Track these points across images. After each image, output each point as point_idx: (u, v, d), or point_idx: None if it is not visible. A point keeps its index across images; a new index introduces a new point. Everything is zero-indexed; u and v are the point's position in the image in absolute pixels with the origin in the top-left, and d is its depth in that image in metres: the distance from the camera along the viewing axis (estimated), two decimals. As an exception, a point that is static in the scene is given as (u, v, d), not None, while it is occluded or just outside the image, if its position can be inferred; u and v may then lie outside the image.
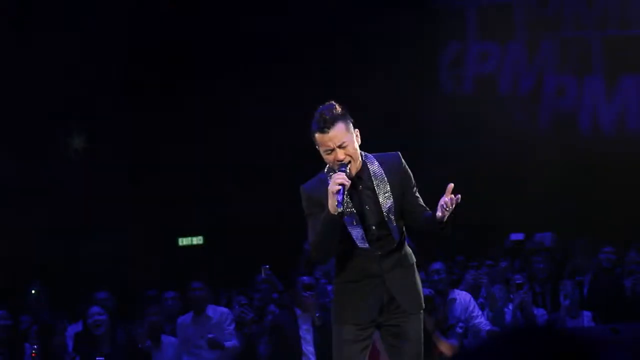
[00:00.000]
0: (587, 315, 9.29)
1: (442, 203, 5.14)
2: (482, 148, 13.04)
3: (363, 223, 5.35)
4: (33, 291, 10.21)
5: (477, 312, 9.36)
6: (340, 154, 5.25)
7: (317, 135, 5.28)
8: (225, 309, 9.77)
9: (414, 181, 5.46)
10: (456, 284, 9.88)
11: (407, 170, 5.47)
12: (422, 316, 5.54)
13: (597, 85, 14.09)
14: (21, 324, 9.37)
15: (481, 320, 9.31)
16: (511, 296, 9.32)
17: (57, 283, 10.72)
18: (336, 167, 5.26)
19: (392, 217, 5.35)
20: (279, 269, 10.12)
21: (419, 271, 9.55)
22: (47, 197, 12.06)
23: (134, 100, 13.12)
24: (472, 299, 9.47)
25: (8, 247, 11.38)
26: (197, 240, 13.75)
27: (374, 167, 5.40)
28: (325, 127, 5.26)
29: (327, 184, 5.24)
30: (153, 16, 13.09)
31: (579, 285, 9.38)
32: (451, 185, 5.18)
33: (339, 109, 5.31)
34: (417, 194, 5.47)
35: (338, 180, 5.12)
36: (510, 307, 9.41)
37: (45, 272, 10.99)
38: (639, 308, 9.18)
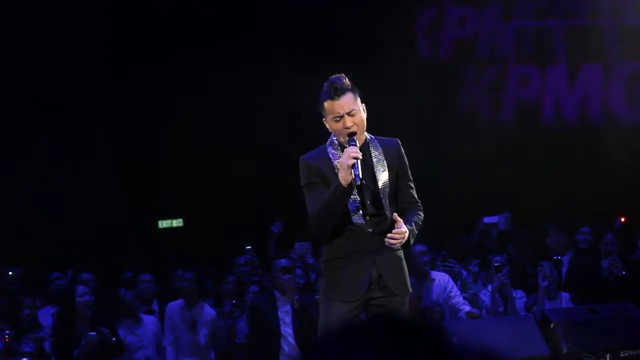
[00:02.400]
0: (565, 296, 8.87)
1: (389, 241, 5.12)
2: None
3: (361, 197, 5.23)
4: (10, 273, 9.72)
5: (455, 291, 9.14)
6: (349, 121, 5.16)
7: (326, 103, 5.22)
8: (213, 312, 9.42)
9: (409, 172, 5.38)
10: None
11: (404, 158, 5.38)
12: (408, 299, 5.40)
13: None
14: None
15: (459, 300, 9.08)
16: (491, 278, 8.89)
17: (35, 266, 10.23)
18: (343, 138, 5.18)
19: (387, 197, 5.25)
20: (258, 251, 9.85)
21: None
22: (28, 177, 11.48)
23: (115, 80, 12.59)
24: (450, 279, 9.27)
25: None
26: (177, 222, 13.25)
27: (375, 146, 5.33)
28: (335, 94, 5.20)
29: (329, 156, 5.22)
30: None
31: (557, 266, 8.93)
32: (395, 215, 5.18)
33: (348, 80, 5.27)
34: (411, 185, 5.38)
35: (352, 153, 5.02)
36: (490, 288, 8.97)
37: (24, 255, 10.48)
38: (616, 289, 8.71)
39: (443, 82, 13.24)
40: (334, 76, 5.28)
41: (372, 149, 5.31)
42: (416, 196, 5.39)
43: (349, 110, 5.18)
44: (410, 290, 5.46)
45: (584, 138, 13.30)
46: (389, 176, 5.27)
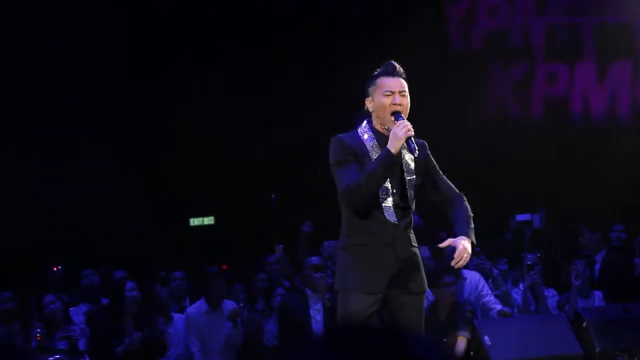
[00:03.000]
0: (598, 295, 8.72)
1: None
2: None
3: (391, 186, 5.22)
4: (58, 268, 9.70)
5: (486, 290, 9.01)
6: (398, 99, 5.18)
7: (381, 78, 5.23)
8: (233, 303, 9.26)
9: (439, 169, 5.39)
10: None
11: (432, 159, 5.38)
12: (424, 297, 5.36)
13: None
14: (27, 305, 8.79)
15: (490, 299, 8.93)
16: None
17: (69, 264, 10.18)
18: (384, 115, 5.19)
19: (411, 189, 5.23)
20: (289, 250, 9.77)
21: (428, 248, 9.24)
22: (60, 176, 11.43)
23: (145, 80, 12.51)
24: (481, 278, 9.14)
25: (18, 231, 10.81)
26: (209, 220, 13.17)
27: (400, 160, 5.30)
28: (394, 72, 5.25)
29: (362, 139, 5.21)
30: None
31: (590, 264, 8.76)
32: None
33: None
34: (446, 178, 5.39)
35: (407, 127, 5.06)
36: (521, 287, 8.82)
37: (56, 253, 10.45)
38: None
39: (473, 75, 13.09)
40: (391, 61, 5.32)
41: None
42: (454, 187, 5.39)
43: (402, 89, 5.22)
44: (427, 289, 5.40)
45: (613, 135, 13.10)
46: (416, 172, 5.24)
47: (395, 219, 5.18)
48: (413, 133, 5.04)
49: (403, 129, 5.02)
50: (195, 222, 13.31)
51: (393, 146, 5.01)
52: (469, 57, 13.37)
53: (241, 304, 9.15)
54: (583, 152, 12.79)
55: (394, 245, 5.18)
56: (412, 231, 5.31)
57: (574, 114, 13.70)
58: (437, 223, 10.71)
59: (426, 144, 5.35)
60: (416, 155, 5.06)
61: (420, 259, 5.33)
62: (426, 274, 8.74)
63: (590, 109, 13.68)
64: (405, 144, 5.08)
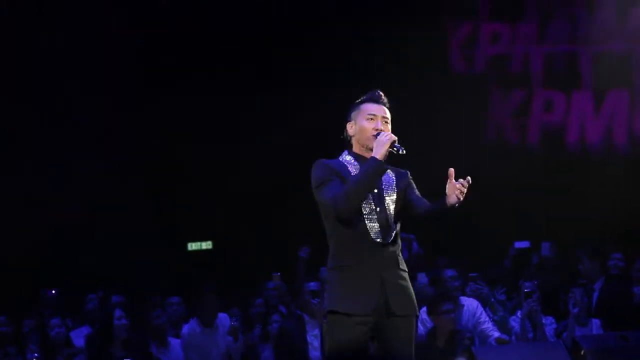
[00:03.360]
0: (596, 322, 8.65)
1: (457, 190, 5.05)
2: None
3: (374, 204, 5.22)
4: (53, 292, 9.63)
5: (484, 317, 8.94)
6: (380, 124, 5.24)
7: (365, 104, 5.29)
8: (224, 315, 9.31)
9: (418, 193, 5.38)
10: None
11: (413, 185, 5.40)
12: (415, 321, 5.28)
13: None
14: (24, 327, 8.72)
15: (488, 326, 8.86)
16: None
17: (64, 286, 10.11)
18: (366, 139, 5.26)
19: (392, 209, 5.25)
20: (287, 277, 9.77)
21: (426, 274, 9.14)
22: (54, 198, 11.35)
23: (147, 100, 12.45)
24: (479, 305, 9.06)
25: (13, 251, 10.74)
26: (206, 245, 13.09)
27: (387, 169, 5.34)
28: (379, 99, 5.31)
29: (345, 164, 5.27)
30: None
31: (587, 292, 8.69)
32: (451, 170, 5.12)
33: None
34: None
35: (391, 136, 5.15)
36: (519, 314, 8.72)
37: (53, 275, 10.37)
38: (648, 316, 8.50)
39: (473, 100, 13.09)
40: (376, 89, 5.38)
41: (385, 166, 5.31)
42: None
43: (385, 116, 5.27)
44: (418, 312, 5.32)
45: (610, 164, 13.05)
46: (397, 194, 5.26)
47: (380, 238, 5.16)
48: (396, 138, 5.12)
49: (386, 136, 5.12)
50: (193, 246, 13.24)
51: (378, 153, 5.08)
52: (469, 81, 13.35)
53: (235, 320, 9.08)
54: (579, 180, 12.74)
55: (381, 266, 5.14)
56: (400, 253, 5.28)
57: (570, 142, 13.67)
58: (435, 251, 10.71)
59: (409, 173, 5.39)
60: (403, 152, 5.10)
61: (409, 281, 5.26)
62: (425, 301, 8.84)
63: (586, 137, 13.64)
64: (391, 150, 5.13)
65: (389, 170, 5.32)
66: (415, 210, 5.27)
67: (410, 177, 5.37)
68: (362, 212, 5.15)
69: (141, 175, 12.49)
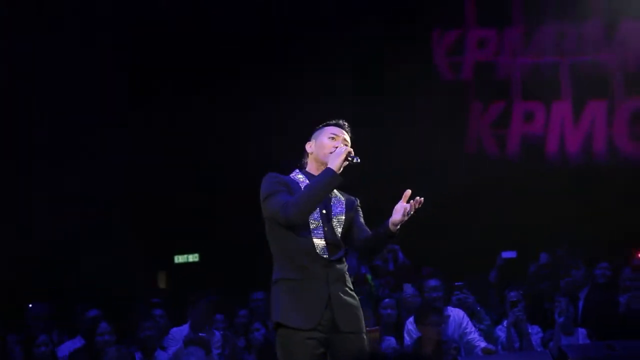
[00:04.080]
0: (582, 332, 8.59)
1: (404, 209, 5.04)
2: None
3: (322, 222, 5.18)
4: (31, 306, 9.47)
5: (470, 328, 8.81)
6: (339, 144, 5.26)
7: (330, 127, 5.34)
8: (218, 333, 9.11)
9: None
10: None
11: (360, 212, 5.40)
12: (364, 337, 5.17)
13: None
14: (7, 343, 8.56)
15: (474, 337, 8.73)
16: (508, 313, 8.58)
17: (52, 299, 9.97)
18: (324, 155, 5.26)
19: (339, 228, 5.23)
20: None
21: (411, 285, 9.04)
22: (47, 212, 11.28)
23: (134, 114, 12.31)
24: (465, 315, 8.92)
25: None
26: (193, 257, 12.97)
27: (336, 192, 5.34)
28: (343, 126, 5.37)
29: (296, 180, 5.25)
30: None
31: (573, 301, 8.61)
32: (408, 191, 5.11)
33: None
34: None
35: (347, 148, 5.19)
36: (505, 324, 8.64)
37: (42, 288, 10.24)
38: (634, 325, 8.40)
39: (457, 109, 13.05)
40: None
41: (335, 191, 5.30)
42: None
43: (346, 139, 5.30)
44: (364, 329, 5.19)
45: (589, 174, 13.02)
46: (345, 217, 5.25)
47: (327, 255, 5.09)
48: (352, 150, 5.15)
49: (342, 148, 5.13)
50: (180, 259, 13.12)
51: (334, 164, 5.06)
52: (453, 90, 13.30)
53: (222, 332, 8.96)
54: (560, 191, 12.69)
55: (327, 282, 5.07)
56: (347, 272, 5.21)
57: (549, 153, 13.63)
58: (421, 262, 10.62)
59: (357, 201, 5.38)
60: (357, 161, 5.11)
61: (357, 300, 5.19)
62: (411, 311, 8.74)
63: (566, 147, 13.61)
64: (347, 161, 5.12)
65: (339, 194, 5.30)
66: (355, 235, 5.24)
67: (359, 205, 5.38)
68: (309, 228, 5.10)
69: (127, 187, 12.32)
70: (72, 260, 11.39)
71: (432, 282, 9.04)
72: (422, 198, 5.07)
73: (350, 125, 5.40)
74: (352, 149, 5.14)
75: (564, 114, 13.67)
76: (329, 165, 5.07)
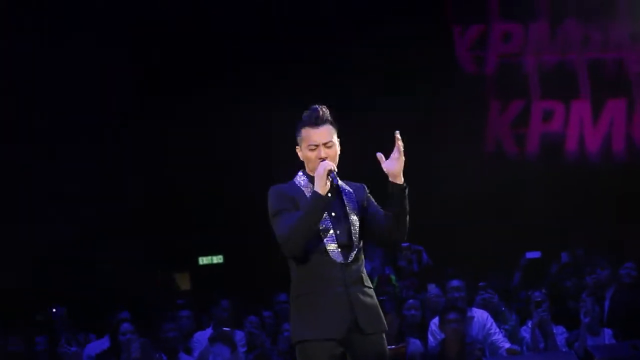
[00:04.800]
0: (608, 332, 8.44)
1: (397, 162, 4.89)
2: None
3: (333, 227, 4.94)
4: (54, 310, 9.41)
5: (494, 328, 8.67)
6: (324, 152, 4.93)
7: (304, 130, 4.98)
8: (240, 332, 9.03)
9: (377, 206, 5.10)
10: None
11: (372, 199, 5.12)
12: (384, 336, 4.98)
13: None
14: (36, 345, 8.49)
15: (499, 337, 8.60)
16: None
17: (77, 302, 9.91)
18: (314, 167, 4.93)
19: (355, 229, 4.98)
20: None
21: (435, 285, 8.89)
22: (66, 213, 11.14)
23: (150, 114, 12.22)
24: (489, 316, 8.79)
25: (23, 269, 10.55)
26: (217, 259, 12.86)
27: (343, 184, 5.05)
28: (316, 123, 4.97)
29: (300, 187, 4.99)
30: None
31: (599, 301, 8.46)
32: (380, 154, 4.94)
33: (328, 112, 5.02)
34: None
35: (327, 166, 4.84)
36: (529, 324, 8.53)
37: (66, 291, 10.17)
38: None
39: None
40: (315, 105, 5.03)
41: (340, 185, 5.03)
42: None
43: (326, 141, 4.95)
44: (386, 328, 4.99)
45: (609, 172, 12.89)
46: (358, 211, 5.01)
47: (341, 259, 4.90)
48: (332, 167, 4.85)
49: (322, 167, 4.83)
50: (204, 260, 13.02)
51: (318, 186, 4.81)
52: (472, 89, 13.19)
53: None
54: (579, 190, 12.56)
55: (345, 286, 4.88)
56: (363, 270, 5.01)
57: (569, 152, 13.51)
58: (445, 262, 10.51)
59: (365, 187, 5.13)
60: (336, 183, 4.86)
61: (375, 298, 5.00)
62: (436, 312, 8.64)
63: (586, 146, 13.48)
64: (328, 179, 4.84)
65: (346, 187, 5.07)
66: (374, 224, 5.02)
67: (368, 191, 5.13)
68: (321, 236, 4.90)
69: (149, 188, 12.22)
70: (94, 261, 11.33)
71: (455, 283, 8.92)
72: (397, 132, 4.84)
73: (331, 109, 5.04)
74: (332, 165, 4.86)
75: (583, 113, 13.54)
76: (314, 188, 4.83)
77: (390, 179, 4.86)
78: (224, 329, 8.62)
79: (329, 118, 4.99)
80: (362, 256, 5.02)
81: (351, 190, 5.05)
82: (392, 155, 4.87)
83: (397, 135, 4.86)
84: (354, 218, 4.98)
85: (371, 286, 5.00)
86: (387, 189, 4.89)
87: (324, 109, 4.99)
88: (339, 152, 4.98)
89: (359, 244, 4.98)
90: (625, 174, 12.77)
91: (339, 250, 4.89)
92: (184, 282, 12.09)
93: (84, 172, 11.74)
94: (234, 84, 12.23)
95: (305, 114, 5.01)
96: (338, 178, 4.88)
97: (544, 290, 8.74)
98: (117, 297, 9.98)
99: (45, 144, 11.75)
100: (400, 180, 4.87)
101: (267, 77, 12.19)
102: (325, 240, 4.89)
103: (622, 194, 12.21)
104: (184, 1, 12.61)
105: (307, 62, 12.17)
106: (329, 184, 4.83)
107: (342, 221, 4.95)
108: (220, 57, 12.43)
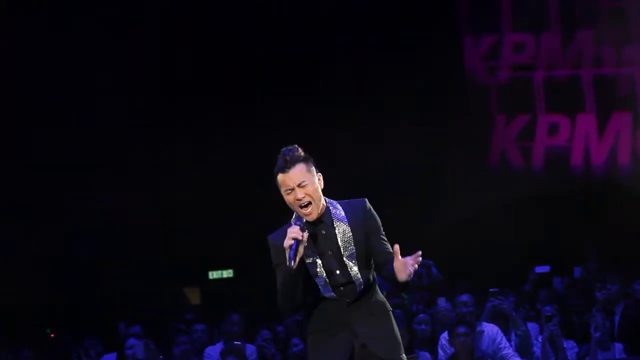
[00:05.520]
0: (618, 347, 8.31)
1: (407, 268, 4.56)
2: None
3: (326, 269, 4.74)
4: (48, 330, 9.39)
5: (504, 343, 8.51)
6: (300, 193, 4.74)
7: (278, 176, 4.81)
8: (251, 346, 8.95)
9: (380, 226, 4.86)
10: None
11: (373, 214, 4.86)
12: None
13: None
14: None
15: (509, 352, 8.46)
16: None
17: (88, 316, 9.84)
18: (296, 210, 4.78)
19: (353, 263, 4.75)
20: None
21: (445, 299, 8.78)
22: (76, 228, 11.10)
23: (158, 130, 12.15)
24: (499, 330, 8.62)
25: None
26: (227, 273, 12.76)
27: (337, 211, 4.83)
28: (285, 166, 4.79)
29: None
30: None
31: (609, 316, 8.35)
32: (396, 246, 4.65)
33: (301, 151, 4.83)
34: (383, 240, 4.85)
35: (292, 234, 4.60)
36: (540, 339, 8.44)
37: (75, 305, 10.09)
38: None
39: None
40: (285, 148, 4.85)
41: (333, 214, 4.81)
42: (388, 249, 4.80)
43: (299, 182, 4.74)
44: (402, 354, 4.81)
45: (615, 186, 12.79)
46: (354, 241, 4.78)
47: (347, 298, 4.77)
48: (297, 239, 4.59)
49: (287, 239, 4.61)
50: (214, 275, 12.90)
51: (286, 259, 4.58)
52: (477, 103, 13.14)
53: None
54: (586, 204, 12.47)
55: (350, 324, 4.76)
56: (377, 298, 4.83)
57: (574, 166, 13.42)
58: (454, 277, 10.43)
59: (366, 203, 4.86)
60: (292, 267, 4.55)
61: (393, 325, 4.83)
62: (446, 326, 8.54)
63: (591, 160, 13.40)
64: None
65: (340, 213, 4.83)
66: (376, 263, 4.81)
67: (369, 208, 4.86)
68: (317, 282, 4.74)
69: (164, 204, 12.13)
70: (106, 276, 11.25)
71: (463, 297, 8.82)
72: (420, 251, 4.61)
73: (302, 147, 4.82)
74: (288, 245, 4.58)
75: (589, 127, 13.46)
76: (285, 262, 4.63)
77: (395, 272, 4.62)
78: (235, 342, 8.55)
79: (300, 157, 4.79)
80: (373, 285, 4.84)
81: (345, 217, 4.81)
82: (404, 263, 4.58)
83: (418, 254, 4.62)
84: (353, 255, 4.77)
85: (387, 310, 4.85)
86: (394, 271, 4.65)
87: (293, 150, 4.81)
88: (319, 187, 4.79)
89: (363, 276, 4.78)
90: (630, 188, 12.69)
91: (342, 289, 4.75)
92: (194, 297, 12.00)
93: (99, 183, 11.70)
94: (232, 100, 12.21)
95: (277, 160, 4.84)
96: (295, 260, 4.55)
97: (554, 305, 8.65)
98: (128, 311, 9.92)
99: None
100: (403, 278, 4.61)
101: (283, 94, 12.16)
102: (322, 286, 4.74)
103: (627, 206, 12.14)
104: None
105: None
106: (299, 255, 4.60)
107: (337, 259, 4.76)
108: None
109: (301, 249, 4.59)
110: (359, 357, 4.74)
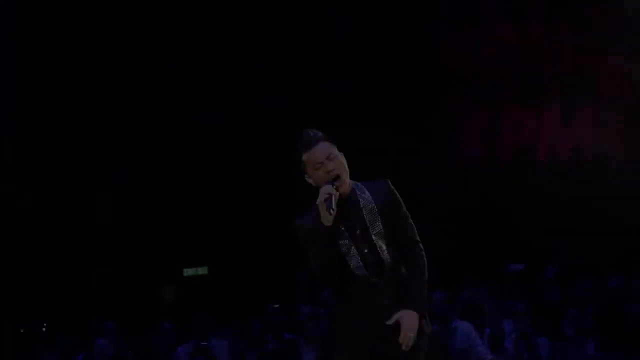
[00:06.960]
0: (591, 343, 8.22)
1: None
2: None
3: (356, 247, 4.56)
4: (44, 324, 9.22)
5: (477, 340, 8.41)
6: (330, 165, 4.56)
7: (304, 155, 4.65)
8: (224, 341, 8.83)
9: (405, 209, 4.63)
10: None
11: (397, 196, 4.67)
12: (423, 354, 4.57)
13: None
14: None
15: (482, 350, 8.34)
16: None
17: (64, 316, 9.69)
18: (325, 189, 4.55)
19: (382, 242, 4.57)
20: (285, 299, 9.33)
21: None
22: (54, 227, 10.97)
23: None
24: (472, 328, 8.50)
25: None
26: (202, 270, 12.65)
27: (361, 191, 4.64)
28: (311, 143, 4.65)
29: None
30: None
31: (583, 313, 8.31)
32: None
33: (319, 132, 4.72)
34: (407, 222, 4.64)
35: (325, 191, 4.46)
36: (513, 335, 8.38)
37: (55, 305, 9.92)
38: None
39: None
40: (304, 131, 4.73)
41: (359, 195, 4.65)
42: (413, 235, 4.61)
43: (327, 155, 4.62)
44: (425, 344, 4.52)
45: (580, 179, 12.76)
46: (381, 219, 4.61)
47: (374, 277, 4.54)
48: (327, 196, 4.46)
49: (321, 194, 4.50)
50: (188, 272, 12.78)
51: (323, 217, 4.49)
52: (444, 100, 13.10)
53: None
54: (554, 198, 12.41)
55: (381, 304, 4.53)
56: (401, 278, 4.52)
57: (540, 160, 13.41)
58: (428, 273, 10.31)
59: (388, 184, 4.69)
60: (331, 214, 4.44)
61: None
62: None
63: (557, 154, 13.40)
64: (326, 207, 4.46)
65: (366, 192, 4.67)
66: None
67: (391, 187, 4.71)
68: (344, 258, 4.55)
69: (139, 201, 11.97)
70: (78, 274, 11.07)
71: (437, 294, 8.69)
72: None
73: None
74: (327, 195, 4.46)
75: (554, 121, 13.47)
76: (321, 222, 4.51)
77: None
78: (202, 343, 8.39)
79: (322, 136, 4.68)
80: (399, 268, 4.57)
81: (371, 198, 4.66)
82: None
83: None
84: (380, 230, 4.61)
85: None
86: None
87: (314, 130, 4.71)
88: (345, 163, 4.62)
89: (392, 255, 4.59)
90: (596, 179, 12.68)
91: (370, 268, 4.56)
92: (169, 293, 11.82)
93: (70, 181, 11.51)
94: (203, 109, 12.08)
95: (299, 143, 4.71)
96: (333, 207, 4.44)
97: (527, 303, 8.57)
98: (102, 308, 9.78)
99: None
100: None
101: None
102: (351, 263, 4.56)
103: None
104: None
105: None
106: (334, 211, 4.46)
107: (366, 238, 4.59)
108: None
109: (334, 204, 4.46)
110: (387, 339, 4.48)
